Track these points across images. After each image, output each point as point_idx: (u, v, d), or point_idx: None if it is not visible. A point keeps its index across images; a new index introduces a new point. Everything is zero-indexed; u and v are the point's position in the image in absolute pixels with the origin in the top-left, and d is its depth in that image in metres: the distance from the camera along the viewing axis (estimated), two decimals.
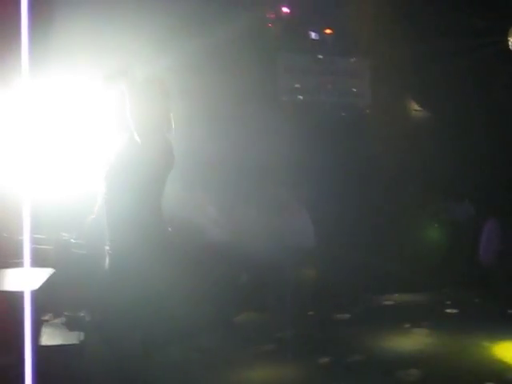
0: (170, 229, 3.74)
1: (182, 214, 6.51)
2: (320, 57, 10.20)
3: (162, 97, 3.72)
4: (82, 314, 4.06)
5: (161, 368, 4.02)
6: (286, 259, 7.60)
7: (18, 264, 4.43)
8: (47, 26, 6.06)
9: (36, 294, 3.51)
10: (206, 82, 8.71)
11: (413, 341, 5.77)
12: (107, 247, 3.66)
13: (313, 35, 10.05)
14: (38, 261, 4.54)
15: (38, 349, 3.44)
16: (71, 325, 3.88)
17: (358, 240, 8.58)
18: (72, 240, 5.54)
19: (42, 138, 5.89)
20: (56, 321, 4.01)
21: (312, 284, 8.02)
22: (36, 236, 5.15)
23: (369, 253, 8.41)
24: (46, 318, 4.09)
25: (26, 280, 3.83)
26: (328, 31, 10.10)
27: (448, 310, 7.06)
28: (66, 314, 4.00)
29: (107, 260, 3.68)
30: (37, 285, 3.58)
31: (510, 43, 9.29)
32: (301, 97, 10.13)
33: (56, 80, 6.02)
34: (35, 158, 5.70)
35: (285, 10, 9.81)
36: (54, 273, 4.06)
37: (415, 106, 10.95)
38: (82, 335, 3.74)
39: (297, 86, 10.11)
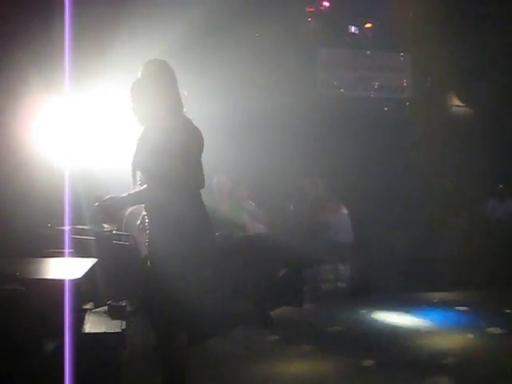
0: (210, 221, 3.71)
1: (222, 207, 6.55)
2: (360, 51, 10.13)
3: (161, 77, 3.56)
4: (124, 304, 4.12)
5: (199, 358, 4.07)
6: (325, 254, 7.57)
7: (61, 254, 4.52)
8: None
9: (78, 283, 3.56)
10: (245, 76, 8.73)
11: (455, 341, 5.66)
12: (146, 238, 3.66)
13: (353, 29, 9.99)
14: (81, 251, 4.64)
15: (80, 336, 3.50)
16: (113, 313, 3.94)
17: (398, 236, 8.51)
18: (113, 231, 5.65)
19: (83, 133, 6.02)
20: (99, 309, 4.08)
21: (348, 279, 7.99)
22: (78, 227, 5.27)
23: (407, 250, 8.33)
24: (88, 306, 4.15)
25: (68, 269, 3.91)
26: (368, 25, 10.02)
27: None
28: (108, 303, 4.07)
29: (147, 251, 3.68)
30: (79, 274, 3.63)
31: None
32: (340, 91, 10.07)
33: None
34: (78, 152, 5.82)
35: (325, 3, 9.78)
36: (96, 262, 4.12)
37: (456, 101, 10.78)
38: (123, 324, 3.79)
39: (336, 80, 10.05)
